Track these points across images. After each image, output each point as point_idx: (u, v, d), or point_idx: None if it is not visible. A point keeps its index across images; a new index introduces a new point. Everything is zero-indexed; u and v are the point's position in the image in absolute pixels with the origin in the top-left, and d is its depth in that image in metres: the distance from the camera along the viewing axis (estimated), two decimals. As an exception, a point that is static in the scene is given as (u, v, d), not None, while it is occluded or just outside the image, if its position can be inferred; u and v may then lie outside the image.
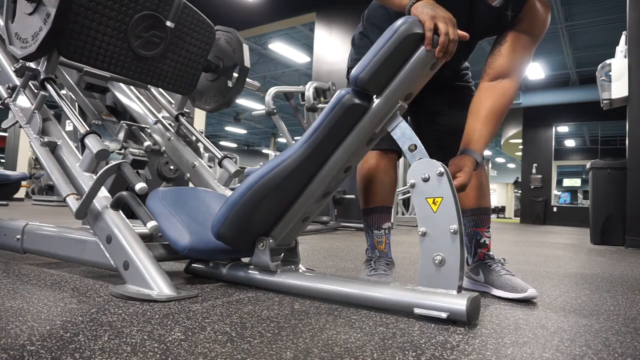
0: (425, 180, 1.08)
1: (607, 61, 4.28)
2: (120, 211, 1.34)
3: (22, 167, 9.76)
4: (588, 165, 4.45)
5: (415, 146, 1.11)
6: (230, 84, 2.00)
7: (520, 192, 14.42)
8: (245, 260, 1.43)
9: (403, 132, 1.13)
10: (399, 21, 1.08)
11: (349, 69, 1.65)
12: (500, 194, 26.43)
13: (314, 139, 1.16)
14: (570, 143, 18.75)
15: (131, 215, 1.33)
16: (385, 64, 1.09)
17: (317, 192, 1.24)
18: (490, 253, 1.47)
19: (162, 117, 2.10)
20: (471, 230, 1.48)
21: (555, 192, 13.90)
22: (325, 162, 1.20)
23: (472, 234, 1.48)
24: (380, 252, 1.50)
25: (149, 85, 2.19)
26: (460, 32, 1.10)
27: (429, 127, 1.58)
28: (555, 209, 11.40)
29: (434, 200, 1.06)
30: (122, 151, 1.85)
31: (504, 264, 1.44)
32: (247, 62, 1.95)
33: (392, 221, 1.54)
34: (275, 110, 4.43)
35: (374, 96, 1.14)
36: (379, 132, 1.18)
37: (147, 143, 1.91)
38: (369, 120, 1.15)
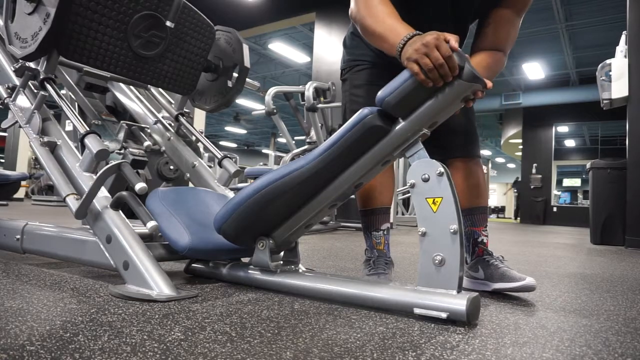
0: (425, 180, 1.08)
1: (607, 61, 4.28)
2: (120, 211, 1.34)
3: (22, 167, 9.74)
4: (588, 165, 4.45)
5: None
6: (230, 84, 2.00)
7: (517, 192, 14.36)
8: (245, 260, 1.43)
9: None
10: None
11: (342, 70, 1.64)
12: (500, 194, 26.42)
13: (329, 153, 1.14)
14: (570, 143, 18.74)
15: (131, 215, 1.33)
16: (416, 92, 1.07)
17: (324, 204, 1.23)
18: (489, 249, 1.47)
19: (162, 117, 2.10)
20: (469, 229, 1.48)
21: (555, 192, 13.89)
22: (336, 177, 1.18)
23: (469, 233, 1.48)
24: (379, 252, 1.50)
25: (149, 85, 2.19)
26: (449, 38, 1.04)
27: None
28: (555, 209, 11.40)
29: (433, 200, 1.06)
30: (122, 151, 1.85)
31: (503, 261, 1.44)
32: (247, 62, 1.94)
33: (391, 221, 1.54)
34: (275, 110, 4.43)
35: (399, 119, 1.12)
36: (397, 156, 1.17)
37: (147, 143, 1.91)
38: (388, 143, 1.12)
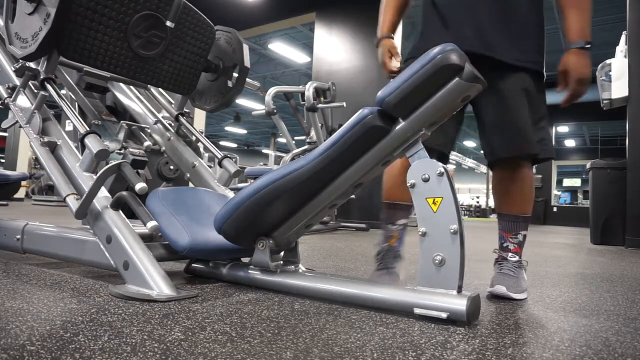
0: (425, 180, 1.08)
1: (607, 61, 4.28)
2: (120, 211, 1.34)
3: (22, 167, 9.75)
4: (588, 165, 4.45)
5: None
6: (230, 84, 2.00)
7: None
8: (245, 260, 1.43)
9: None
10: (436, 49, 1.05)
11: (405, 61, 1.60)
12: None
13: (329, 153, 1.14)
14: (570, 143, 18.74)
15: (131, 215, 1.33)
16: (415, 91, 1.07)
17: (324, 203, 1.23)
18: (508, 255, 1.47)
19: (162, 117, 2.10)
20: (500, 233, 1.52)
21: (555, 192, 13.89)
22: (336, 177, 1.18)
23: (499, 236, 1.52)
24: (389, 247, 1.49)
25: (149, 85, 2.19)
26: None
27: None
28: (555, 209, 11.39)
29: (434, 200, 1.06)
30: (122, 151, 1.85)
31: (514, 269, 1.43)
32: (247, 62, 1.94)
33: (408, 219, 1.53)
34: (275, 110, 4.43)
35: (399, 119, 1.12)
36: (397, 156, 1.17)
37: (147, 143, 1.91)
38: (388, 143, 1.13)
